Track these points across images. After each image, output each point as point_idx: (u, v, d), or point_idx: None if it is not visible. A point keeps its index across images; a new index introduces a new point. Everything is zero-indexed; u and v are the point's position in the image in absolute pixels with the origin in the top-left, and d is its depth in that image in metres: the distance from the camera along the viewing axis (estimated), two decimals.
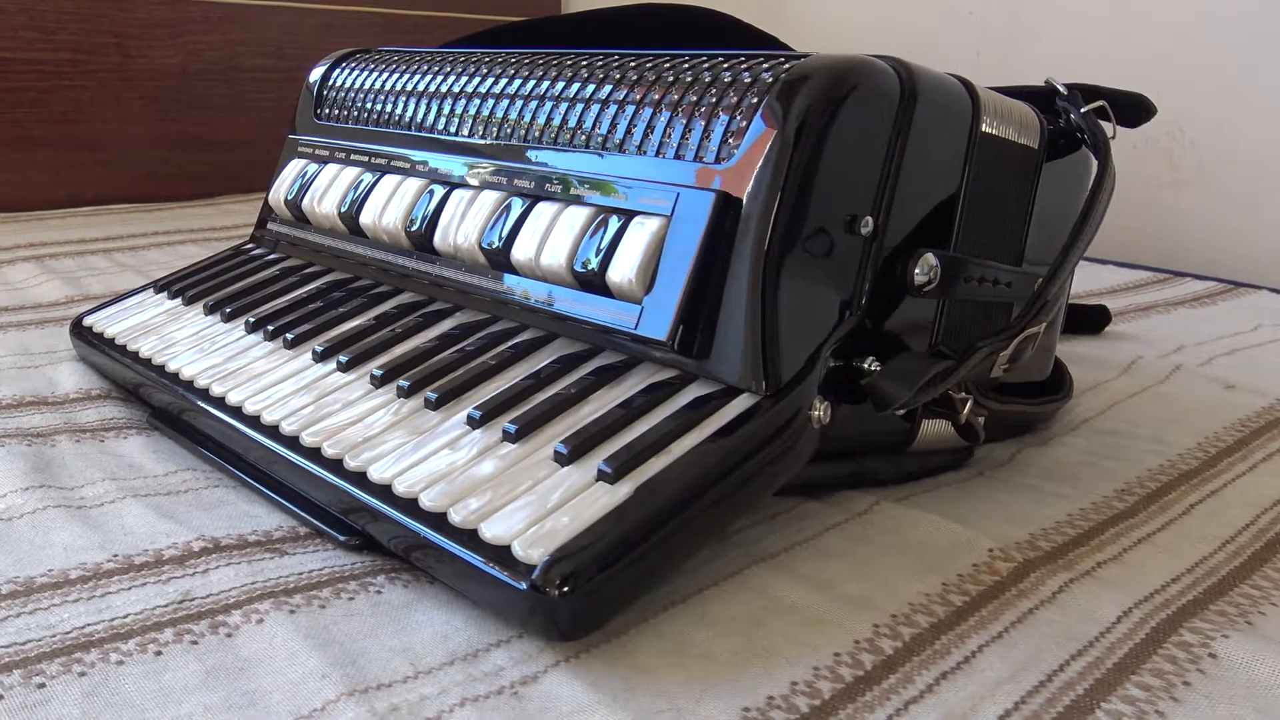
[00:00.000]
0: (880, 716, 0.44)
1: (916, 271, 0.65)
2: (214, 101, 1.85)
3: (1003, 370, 0.66)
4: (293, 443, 0.63)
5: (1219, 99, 1.50)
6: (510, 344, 0.68)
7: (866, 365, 0.63)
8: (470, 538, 0.52)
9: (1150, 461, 0.73)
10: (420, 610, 0.53)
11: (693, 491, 0.52)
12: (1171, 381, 0.91)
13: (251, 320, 0.80)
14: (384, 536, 0.57)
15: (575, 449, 0.55)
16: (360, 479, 0.58)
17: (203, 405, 0.71)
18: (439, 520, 0.53)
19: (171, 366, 0.76)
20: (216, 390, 0.71)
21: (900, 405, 0.63)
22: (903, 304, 0.66)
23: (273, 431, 0.65)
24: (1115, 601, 0.54)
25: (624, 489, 0.52)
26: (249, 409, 0.68)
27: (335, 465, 0.60)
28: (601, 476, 0.53)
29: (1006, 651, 0.49)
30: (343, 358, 0.70)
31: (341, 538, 0.60)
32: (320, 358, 0.72)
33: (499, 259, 0.69)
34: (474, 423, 0.60)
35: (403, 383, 0.65)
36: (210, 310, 0.84)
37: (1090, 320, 1.10)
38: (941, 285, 0.66)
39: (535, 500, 0.52)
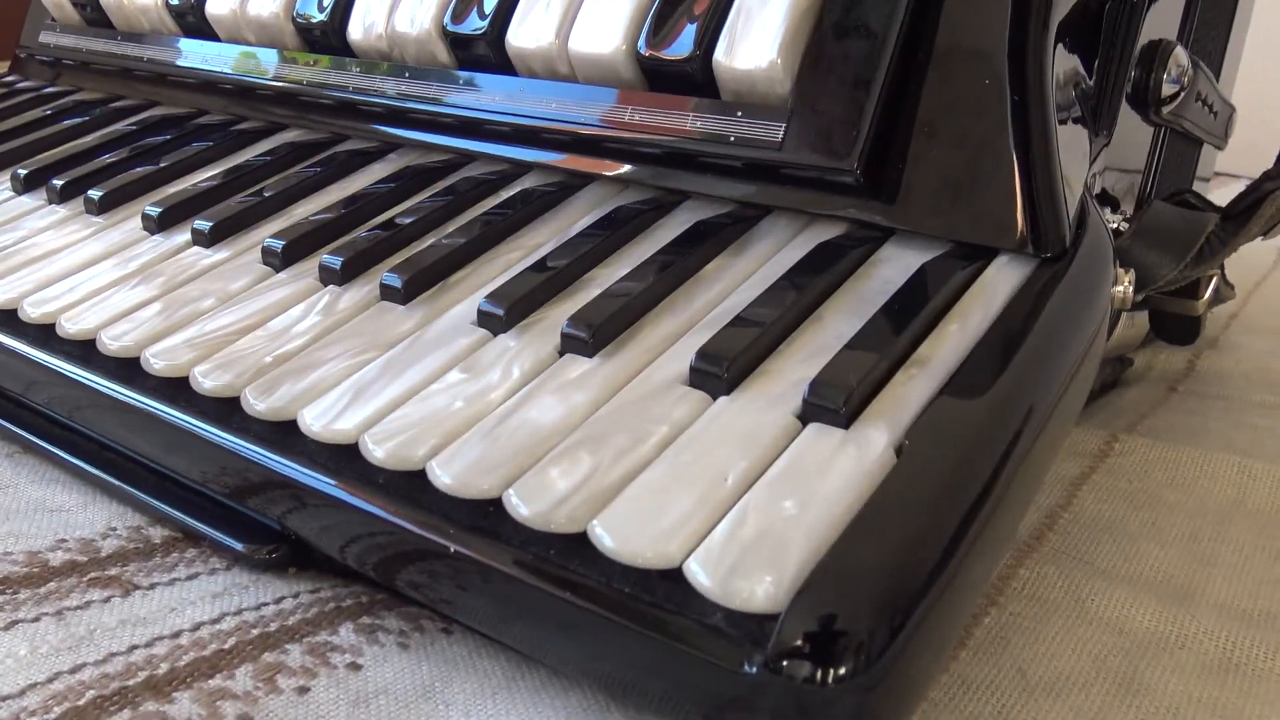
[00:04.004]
0: None
1: (1166, 77, 0.41)
2: None
3: None
4: (128, 370, 0.34)
5: None
6: (505, 196, 0.40)
7: (1110, 222, 0.39)
8: (566, 551, 0.25)
9: None
10: (457, 705, 0.25)
11: (1004, 434, 0.26)
12: (1275, 276, 0.72)
13: (24, 174, 0.48)
14: (335, 539, 0.29)
15: (732, 365, 0.28)
16: (280, 432, 0.30)
17: None
18: (480, 514, 0.26)
19: None
20: None
21: (1163, 283, 0.39)
22: (1124, 128, 0.42)
23: (83, 350, 0.35)
24: None
25: (877, 440, 0.26)
26: (32, 312, 0.37)
27: (225, 408, 0.31)
28: (813, 413, 0.27)
29: None
30: (201, 224, 0.40)
31: (239, 546, 0.31)
32: (159, 225, 0.42)
33: (480, 51, 0.41)
34: (494, 322, 0.32)
35: (329, 260, 0.36)
36: None
37: None
38: (1183, 103, 0.43)
39: (687, 470, 0.26)
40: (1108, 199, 0.41)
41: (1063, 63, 0.34)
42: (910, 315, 0.30)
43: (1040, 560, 0.32)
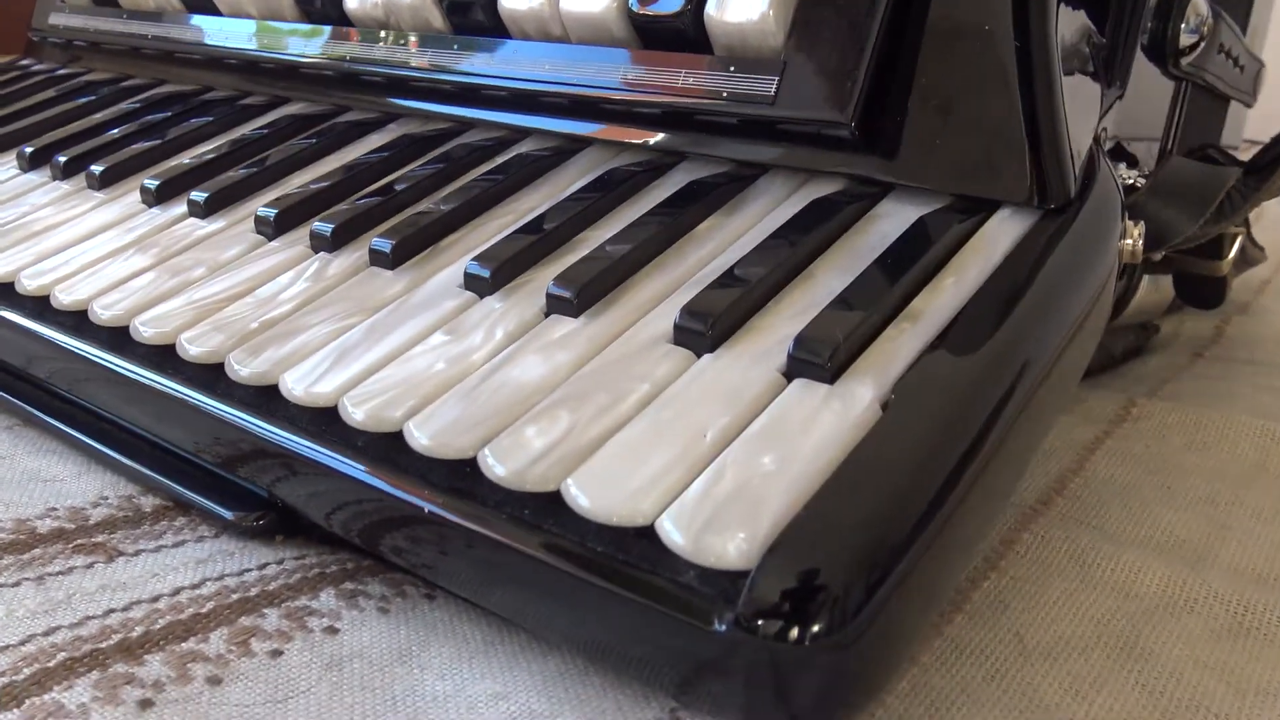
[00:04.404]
0: None
1: (1184, 26, 0.40)
2: None
3: None
4: (118, 339, 0.34)
5: None
6: (500, 161, 0.39)
7: (1125, 178, 0.37)
8: (540, 510, 0.24)
9: None
10: (432, 668, 0.25)
11: (997, 389, 0.25)
12: None
13: (29, 152, 0.48)
14: (320, 505, 0.29)
15: (716, 322, 0.28)
16: (264, 396, 0.30)
17: None
18: (457, 475, 0.25)
19: None
20: None
21: (1182, 241, 0.38)
22: (1144, 83, 0.40)
23: (76, 320, 0.35)
24: None
25: (862, 395, 0.25)
26: (29, 285, 0.37)
27: (211, 374, 0.31)
28: (798, 369, 0.26)
29: None
30: (198, 196, 0.40)
31: (227, 514, 0.31)
32: (156, 198, 0.41)
33: (474, 15, 0.40)
34: (480, 284, 0.32)
35: (320, 227, 0.36)
36: None
37: None
38: (1203, 53, 0.41)
39: (667, 428, 0.25)
40: (1125, 155, 0.40)
41: (1069, 10, 0.33)
42: (903, 269, 0.29)
43: (1046, 524, 0.31)
